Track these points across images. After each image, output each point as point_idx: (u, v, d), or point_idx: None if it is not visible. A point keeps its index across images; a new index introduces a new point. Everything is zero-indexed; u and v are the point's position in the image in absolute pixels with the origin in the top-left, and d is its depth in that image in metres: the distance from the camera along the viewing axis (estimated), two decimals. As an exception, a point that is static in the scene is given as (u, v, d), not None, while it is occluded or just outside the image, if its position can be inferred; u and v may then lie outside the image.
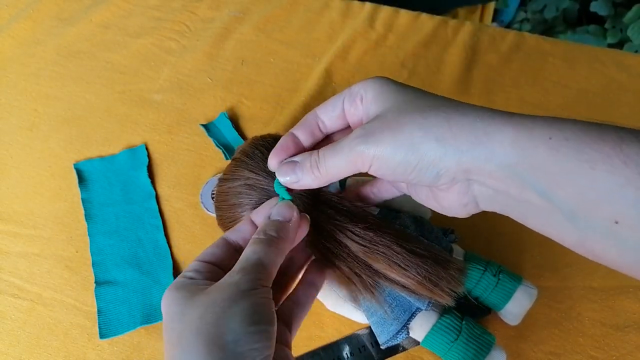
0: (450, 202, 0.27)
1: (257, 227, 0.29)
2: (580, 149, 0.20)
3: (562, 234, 0.23)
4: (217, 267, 0.27)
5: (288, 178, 0.28)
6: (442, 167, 0.24)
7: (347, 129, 0.30)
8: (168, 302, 0.25)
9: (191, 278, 0.26)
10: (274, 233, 0.27)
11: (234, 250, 0.29)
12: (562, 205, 0.21)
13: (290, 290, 0.31)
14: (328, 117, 0.30)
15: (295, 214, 0.28)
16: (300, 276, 0.32)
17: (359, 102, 0.28)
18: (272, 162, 0.30)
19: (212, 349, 0.22)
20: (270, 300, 0.25)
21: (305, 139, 0.30)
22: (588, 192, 0.20)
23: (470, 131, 0.23)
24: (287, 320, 0.29)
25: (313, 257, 0.34)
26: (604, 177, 0.20)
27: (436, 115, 0.24)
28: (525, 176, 0.22)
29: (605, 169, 0.20)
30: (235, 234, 0.29)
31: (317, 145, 0.31)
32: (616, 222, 0.20)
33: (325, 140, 0.31)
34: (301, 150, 0.30)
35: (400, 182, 0.32)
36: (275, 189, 0.30)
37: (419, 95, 0.26)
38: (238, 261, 0.26)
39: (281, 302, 0.31)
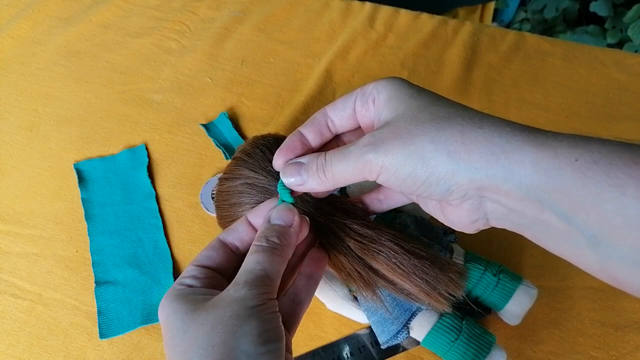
0: (459, 217, 0.26)
1: (254, 228, 0.28)
2: (611, 173, 0.19)
3: (581, 258, 0.21)
4: (214, 271, 0.26)
5: (293, 180, 0.27)
6: (454, 183, 0.23)
7: (358, 129, 0.29)
8: (167, 314, 0.24)
9: (190, 286, 0.25)
10: (277, 240, 0.26)
11: (231, 253, 0.28)
12: (584, 230, 0.20)
13: (290, 284, 0.30)
14: (338, 116, 0.28)
15: (296, 217, 0.27)
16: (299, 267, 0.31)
17: (370, 104, 0.27)
18: (278, 162, 0.28)
19: None
20: (278, 313, 0.24)
21: (313, 139, 0.29)
22: (614, 218, 0.19)
23: (486, 147, 0.22)
24: (286, 320, 0.28)
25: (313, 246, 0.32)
26: (634, 203, 0.18)
27: (450, 127, 0.22)
28: (545, 198, 0.21)
29: (637, 195, 0.18)
30: (232, 235, 0.28)
31: (325, 146, 0.29)
32: None
33: (335, 140, 0.30)
34: (308, 150, 0.29)
35: (409, 194, 0.31)
36: (278, 190, 0.29)
37: (435, 101, 0.24)
38: (241, 271, 0.25)
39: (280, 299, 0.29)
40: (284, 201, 0.28)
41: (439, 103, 0.24)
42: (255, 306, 0.23)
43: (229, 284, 0.25)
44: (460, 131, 0.22)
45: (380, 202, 0.33)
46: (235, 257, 0.28)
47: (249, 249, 0.26)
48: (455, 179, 0.22)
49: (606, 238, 0.20)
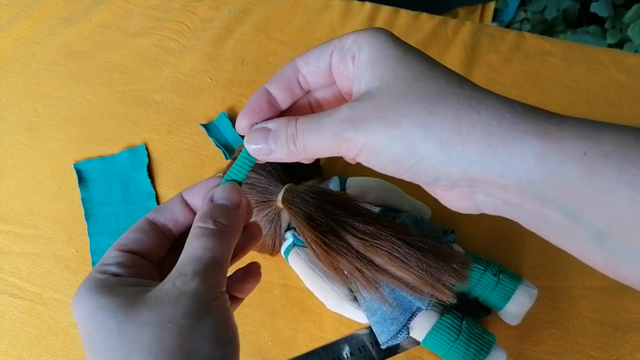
0: (450, 201, 0.24)
1: (191, 209, 0.25)
2: (623, 168, 0.17)
3: (586, 254, 0.20)
4: (142, 257, 0.23)
5: (259, 147, 0.24)
6: (443, 173, 0.20)
7: (333, 85, 0.26)
8: (91, 311, 0.20)
9: (115, 275, 0.21)
10: (225, 221, 0.22)
11: (162, 236, 0.24)
12: (589, 226, 0.18)
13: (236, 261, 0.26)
14: (311, 72, 0.25)
15: (243, 198, 0.24)
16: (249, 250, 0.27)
17: (349, 61, 0.23)
18: (241, 125, 0.25)
19: None
20: (230, 309, 0.22)
21: (281, 97, 0.25)
22: (625, 216, 0.17)
23: (483, 137, 0.19)
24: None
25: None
26: None
27: (444, 110, 0.20)
28: (547, 193, 0.19)
29: None
30: (164, 215, 0.24)
31: (295, 103, 0.26)
32: None
33: (306, 97, 0.27)
34: (276, 112, 0.26)
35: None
36: (240, 157, 0.25)
37: (426, 71, 0.21)
38: (186, 259, 0.21)
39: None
40: (229, 180, 0.25)
41: (431, 74, 0.21)
42: (210, 301, 0.20)
43: (158, 271, 0.22)
44: (456, 116, 0.20)
45: None
46: (166, 240, 0.24)
47: (183, 232, 0.23)
48: (445, 169, 0.20)
49: (614, 236, 0.18)
